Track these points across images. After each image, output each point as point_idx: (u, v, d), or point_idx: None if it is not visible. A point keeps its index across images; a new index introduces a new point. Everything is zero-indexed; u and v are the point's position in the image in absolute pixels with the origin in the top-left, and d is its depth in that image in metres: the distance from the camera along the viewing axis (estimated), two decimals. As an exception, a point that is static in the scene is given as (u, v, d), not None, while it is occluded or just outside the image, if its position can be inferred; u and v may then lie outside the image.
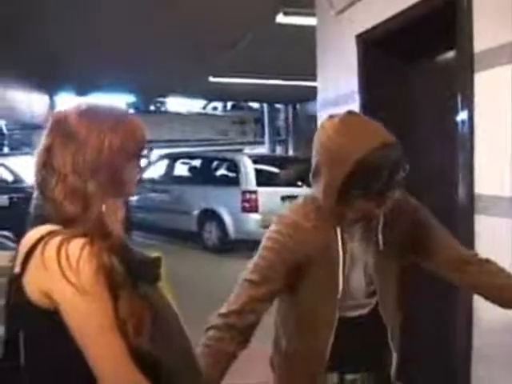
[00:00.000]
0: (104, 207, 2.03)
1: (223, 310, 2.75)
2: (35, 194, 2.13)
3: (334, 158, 2.52)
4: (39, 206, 2.09)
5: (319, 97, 6.14)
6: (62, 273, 1.90)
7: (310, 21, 7.03)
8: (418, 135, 4.94)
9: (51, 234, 1.95)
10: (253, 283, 2.71)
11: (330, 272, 2.71)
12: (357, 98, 5.10)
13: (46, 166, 2.07)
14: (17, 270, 2.00)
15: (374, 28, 4.81)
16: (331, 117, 2.63)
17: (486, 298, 2.89)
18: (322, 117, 6.06)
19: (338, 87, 5.65)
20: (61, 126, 2.09)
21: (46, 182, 2.07)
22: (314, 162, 2.64)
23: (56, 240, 1.93)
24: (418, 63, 4.92)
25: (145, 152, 2.20)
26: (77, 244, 1.93)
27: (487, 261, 2.87)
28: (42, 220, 2.03)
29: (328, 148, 2.56)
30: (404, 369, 2.99)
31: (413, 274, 3.09)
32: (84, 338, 1.92)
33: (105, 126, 2.07)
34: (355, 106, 5.08)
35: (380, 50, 4.92)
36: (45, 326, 1.97)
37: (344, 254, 2.73)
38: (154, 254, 2.56)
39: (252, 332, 2.74)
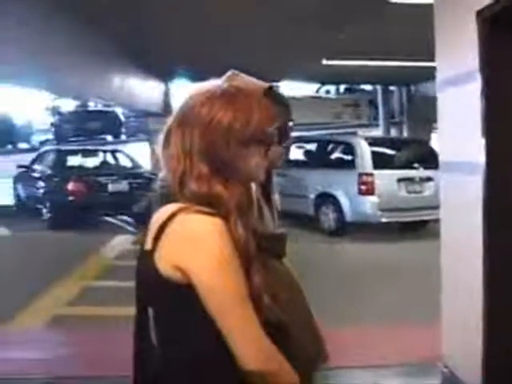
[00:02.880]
0: (228, 187, 2.04)
1: None
2: (161, 174, 2.18)
3: None
4: (166, 186, 2.13)
5: (438, 76, 6.01)
6: (196, 247, 1.95)
7: (425, -1, 6.90)
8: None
9: (182, 210, 1.99)
10: None
11: None
12: (478, 77, 4.96)
13: (165, 147, 2.13)
14: (148, 246, 2.05)
15: (496, 3, 4.66)
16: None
17: None
18: (442, 97, 5.94)
19: (458, 66, 5.51)
20: (181, 107, 2.14)
21: (167, 163, 2.12)
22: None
23: (189, 216, 1.97)
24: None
25: (270, 139, 2.14)
26: (209, 219, 1.96)
27: None
28: (170, 199, 2.06)
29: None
30: None
31: None
32: (218, 309, 1.95)
33: (217, 105, 2.06)
34: (477, 85, 4.96)
35: (502, 26, 4.76)
36: (177, 300, 2.01)
37: None
38: (280, 230, 2.58)
39: None
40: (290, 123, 2.81)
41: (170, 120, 2.15)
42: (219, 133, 2.04)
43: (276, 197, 2.96)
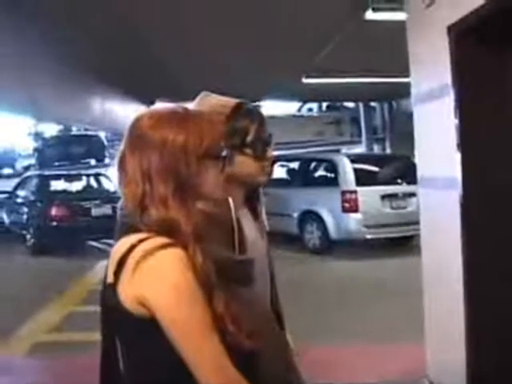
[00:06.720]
0: (187, 210, 2.01)
1: None
2: (120, 202, 2.15)
3: None
4: (125, 215, 2.10)
5: (413, 92, 6.04)
6: (157, 281, 1.92)
7: (398, 16, 6.93)
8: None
9: (141, 242, 1.96)
10: None
11: None
12: (451, 91, 4.98)
13: (121, 173, 2.10)
14: (109, 279, 2.02)
15: (466, 17, 4.69)
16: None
17: None
18: (418, 112, 5.95)
19: (431, 81, 5.54)
20: (132, 131, 2.11)
21: (124, 189, 2.09)
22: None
23: (147, 248, 1.94)
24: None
25: (224, 153, 2.13)
26: (168, 251, 1.93)
27: None
28: (130, 228, 2.03)
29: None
30: None
31: None
32: (182, 341, 1.93)
33: (168, 126, 2.05)
34: (450, 99, 4.98)
35: (473, 40, 4.79)
36: (141, 333, 1.99)
37: None
38: (245, 256, 2.54)
39: None
40: (268, 137, 2.76)
41: (121, 144, 2.12)
42: (176, 151, 2.02)
43: (264, 215, 2.94)
